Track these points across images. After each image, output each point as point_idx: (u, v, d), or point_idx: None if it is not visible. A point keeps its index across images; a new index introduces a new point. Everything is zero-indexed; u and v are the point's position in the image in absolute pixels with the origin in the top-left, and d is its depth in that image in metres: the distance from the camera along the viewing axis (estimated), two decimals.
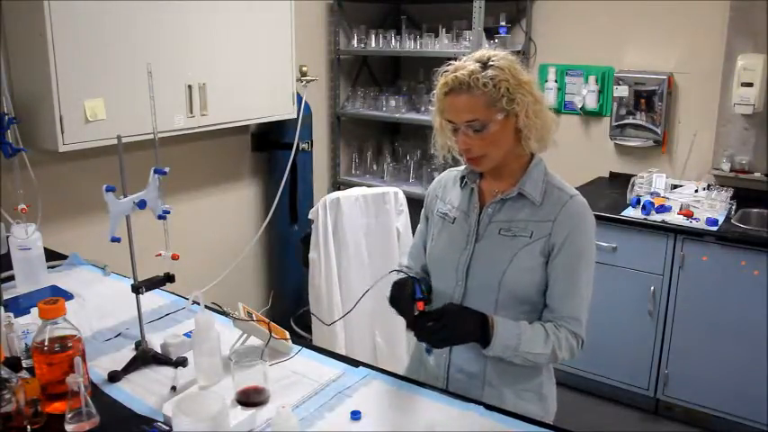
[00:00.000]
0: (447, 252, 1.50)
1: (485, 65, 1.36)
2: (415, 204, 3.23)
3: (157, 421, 1.31)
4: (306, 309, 3.27)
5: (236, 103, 2.91)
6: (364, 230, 2.88)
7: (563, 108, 3.61)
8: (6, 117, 1.94)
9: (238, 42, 2.88)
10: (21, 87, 2.31)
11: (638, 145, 3.42)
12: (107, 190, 1.38)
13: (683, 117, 3.34)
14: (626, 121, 3.40)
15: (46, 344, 1.29)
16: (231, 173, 3.42)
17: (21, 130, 2.12)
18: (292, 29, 3.13)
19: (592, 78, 3.48)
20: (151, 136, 1.49)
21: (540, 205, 1.43)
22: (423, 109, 3.75)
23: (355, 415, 1.33)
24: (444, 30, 3.56)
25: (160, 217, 1.48)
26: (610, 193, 3.26)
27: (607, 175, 3.58)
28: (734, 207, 2.90)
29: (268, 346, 1.51)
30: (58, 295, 1.66)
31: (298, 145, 3.30)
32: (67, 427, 1.25)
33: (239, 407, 1.33)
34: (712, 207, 2.91)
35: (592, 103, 3.50)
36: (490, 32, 3.47)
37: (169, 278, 1.52)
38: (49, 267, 2.08)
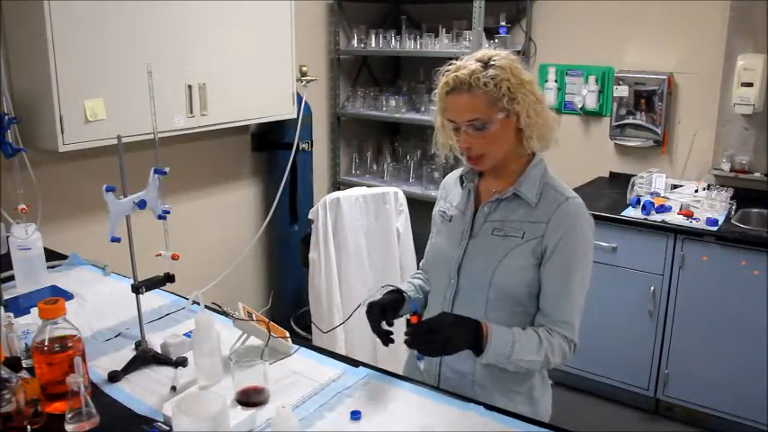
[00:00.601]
0: (443, 249, 1.52)
1: (486, 64, 1.37)
2: (415, 204, 3.24)
3: (157, 421, 1.31)
4: (306, 309, 3.27)
5: (236, 103, 2.91)
6: (364, 230, 2.88)
7: (563, 108, 3.61)
8: (6, 117, 1.94)
9: (238, 42, 2.88)
10: (21, 87, 2.31)
11: (638, 145, 3.42)
12: (107, 190, 1.38)
13: (683, 117, 3.34)
14: (626, 121, 3.40)
15: (46, 344, 1.29)
16: (231, 173, 3.42)
17: (21, 130, 2.12)
18: (292, 29, 3.13)
19: (592, 78, 3.48)
20: (151, 136, 1.49)
21: (536, 206, 1.43)
22: (423, 109, 3.75)
23: (355, 415, 1.33)
24: (444, 30, 3.56)
25: (160, 217, 1.48)
26: (610, 193, 3.26)
27: (607, 175, 3.58)
28: (734, 207, 2.90)
29: (268, 345, 1.51)
30: (58, 295, 1.66)
31: (298, 145, 3.30)
32: (67, 427, 1.25)
33: (239, 407, 1.33)
34: (712, 207, 2.91)
35: (592, 103, 3.50)
36: (490, 32, 3.48)
37: (169, 278, 1.52)
38: (49, 267, 2.08)
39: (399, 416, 1.35)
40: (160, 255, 1.48)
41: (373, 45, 3.78)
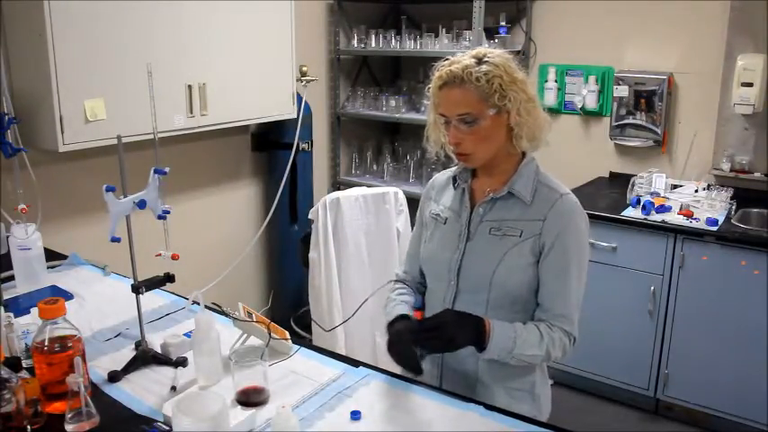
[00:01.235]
0: (439, 252, 1.51)
1: (480, 60, 1.38)
2: (414, 204, 3.21)
3: (157, 421, 1.31)
4: (306, 309, 3.28)
5: (236, 103, 2.91)
6: (364, 230, 2.88)
7: (563, 108, 3.61)
8: (6, 117, 1.94)
9: (238, 42, 2.88)
10: (21, 87, 2.31)
11: (638, 145, 3.42)
12: (107, 190, 1.38)
13: (683, 117, 3.34)
14: (626, 121, 3.40)
15: (46, 344, 1.29)
16: (231, 173, 3.42)
17: (21, 130, 2.12)
18: (292, 29, 3.13)
19: (592, 78, 3.48)
20: (151, 136, 1.49)
21: (531, 204, 1.44)
22: (423, 109, 3.74)
23: (355, 415, 1.33)
24: (444, 30, 3.56)
25: (160, 217, 1.48)
26: (610, 193, 3.25)
27: (607, 175, 3.58)
28: (734, 207, 2.90)
29: (268, 346, 1.51)
30: (58, 295, 1.66)
31: (298, 145, 3.30)
32: (67, 427, 1.25)
33: (239, 407, 1.33)
34: (712, 207, 2.91)
35: (592, 103, 3.50)
36: (490, 32, 3.48)
37: (169, 278, 1.52)
38: (48, 267, 2.08)
39: (399, 416, 1.35)
40: (160, 255, 1.48)
41: (373, 45, 3.78)
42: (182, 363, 1.53)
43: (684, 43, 3.27)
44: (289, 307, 3.52)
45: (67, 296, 1.91)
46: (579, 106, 3.53)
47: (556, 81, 3.59)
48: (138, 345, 1.58)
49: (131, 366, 1.51)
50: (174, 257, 1.47)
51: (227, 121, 2.92)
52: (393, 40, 3.72)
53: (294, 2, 3.11)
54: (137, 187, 1.46)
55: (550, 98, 3.59)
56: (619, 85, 3.36)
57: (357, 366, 1.53)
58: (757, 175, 3.13)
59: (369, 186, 3.09)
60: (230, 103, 2.88)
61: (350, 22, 3.87)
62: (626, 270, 2.93)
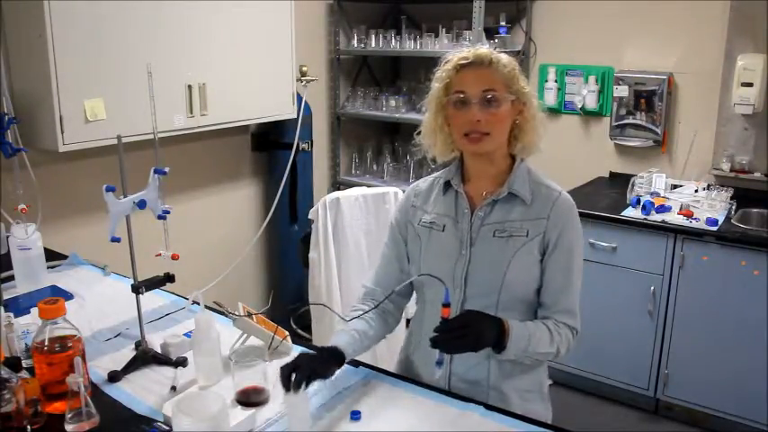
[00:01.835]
0: (440, 261, 1.47)
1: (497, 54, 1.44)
2: None
3: (157, 421, 1.31)
4: (306, 309, 3.27)
5: (236, 103, 2.91)
6: (364, 230, 2.88)
7: (563, 108, 3.61)
8: (6, 117, 1.94)
9: (238, 42, 2.88)
10: (21, 87, 2.31)
11: (637, 145, 3.42)
12: (107, 190, 1.38)
13: (683, 117, 3.33)
14: (626, 121, 3.40)
15: (46, 344, 1.29)
16: (231, 173, 3.42)
17: (21, 130, 2.12)
18: (292, 29, 3.13)
19: (592, 78, 3.48)
20: (151, 136, 1.50)
21: (531, 203, 1.44)
22: (423, 109, 3.72)
23: (355, 415, 1.33)
24: (444, 30, 3.56)
25: (160, 217, 1.48)
26: (610, 193, 3.25)
27: (607, 175, 3.58)
28: (734, 207, 2.90)
29: (270, 348, 1.51)
30: (58, 295, 1.66)
31: (298, 145, 3.30)
32: (67, 427, 1.26)
33: (239, 407, 1.33)
34: (712, 207, 2.91)
35: (592, 103, 3.50)
36: (490, 32, 3.47)
37: (169, 278, 1.52)
38: (48, 267, 2.08)
39: (399, 416, 1.35)
40: (160, 255, 1.48)
41: (373, 45, 3.78)
42: (182, 363, 1.53)
43: (684, 43, 3.26)
44: (289, 307, 3.52)
45: (67, 296, 1.91)
46: (579, 106, 3.53)
47: (556, 81, 3.59)
48: (138, 345, 1.58)
49: (131, 366, 1.51)
50: (174, 257, 1.47)
51: (227, 121, 2.92)
52: (393, 40, 3.72)
53: (294, 2, 3.11)
54: (137, 187, 1.46)
55: (550, 98, 3.59)
56: (619, 85, 3.36)
57: (357, 366, 1.53)
58: (757, 175, 3.13)
59: (369, 186, 3.09)
60: (230, 103, 2.88)
61: (350, 22, 3.87)
62: (626, 270, 2.93)
